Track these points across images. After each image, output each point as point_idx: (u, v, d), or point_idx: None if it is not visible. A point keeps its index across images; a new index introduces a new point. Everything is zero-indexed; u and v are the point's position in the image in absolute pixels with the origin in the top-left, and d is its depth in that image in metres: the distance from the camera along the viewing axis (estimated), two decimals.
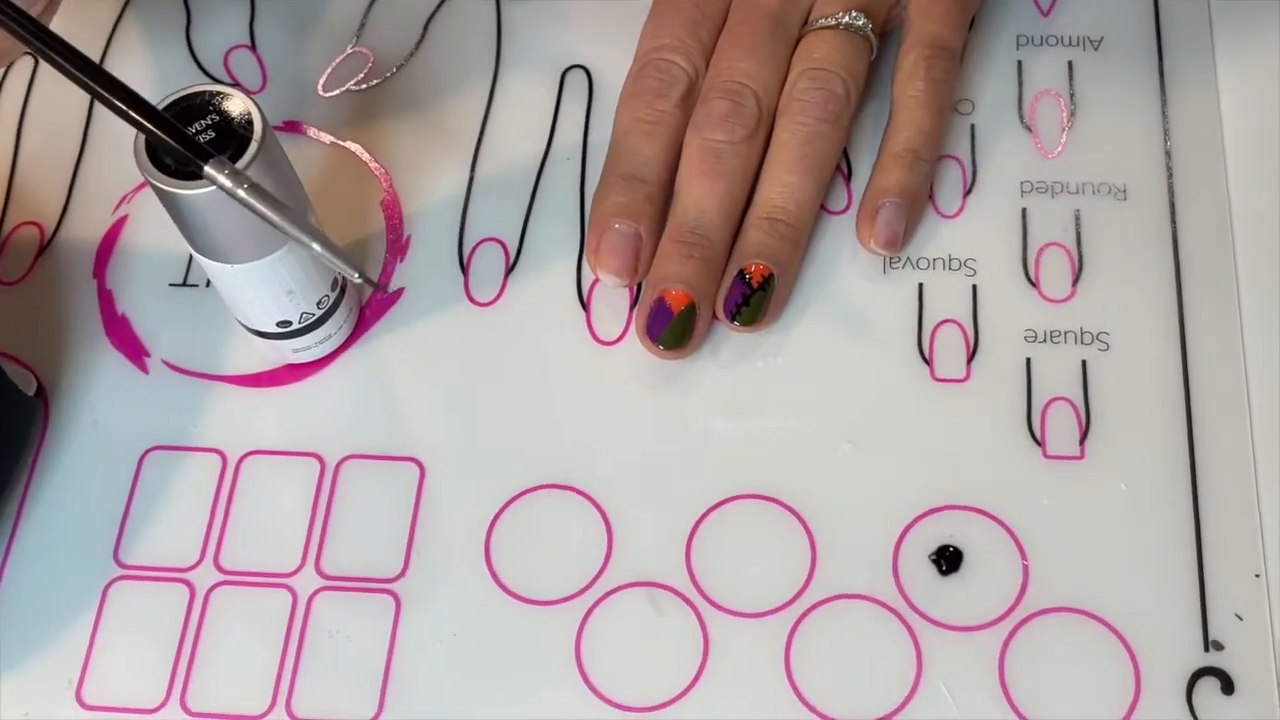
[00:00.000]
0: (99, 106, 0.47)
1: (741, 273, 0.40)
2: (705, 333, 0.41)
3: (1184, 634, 0.36)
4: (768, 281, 0.40)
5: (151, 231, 0.44)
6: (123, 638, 0.38)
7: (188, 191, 0.34)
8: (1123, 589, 0.37)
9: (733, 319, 0.40)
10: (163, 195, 0.34)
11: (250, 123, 0.34)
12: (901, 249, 0.42)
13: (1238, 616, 0.36)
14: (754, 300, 0.40)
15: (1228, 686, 0.35)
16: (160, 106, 0.34)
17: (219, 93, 0.35)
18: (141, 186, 0.45)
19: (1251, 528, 0.37)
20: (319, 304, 0.39)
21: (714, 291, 0.41)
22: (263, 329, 0.40)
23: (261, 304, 0.38)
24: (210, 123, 0.34)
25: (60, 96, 0.48)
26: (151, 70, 0.48)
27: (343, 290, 0.41)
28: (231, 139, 0.34)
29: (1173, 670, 0.36)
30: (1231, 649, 0.36)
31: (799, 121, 0.41)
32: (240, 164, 0.34)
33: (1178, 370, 0.40)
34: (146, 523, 0.40)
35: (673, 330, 0.40)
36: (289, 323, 0.39)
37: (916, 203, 0.42)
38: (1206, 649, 0.36)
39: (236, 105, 0.35)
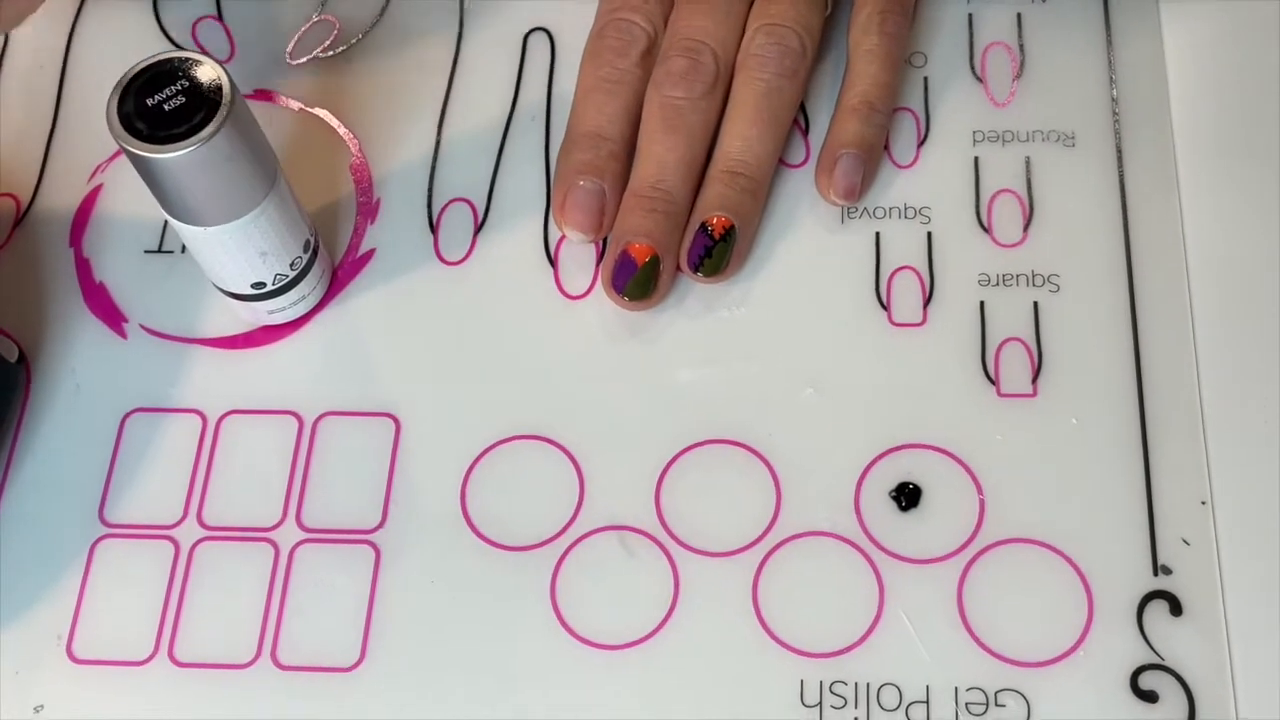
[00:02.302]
0: (70, 78, 0.48)
1: (704, 225, 0.42)
2: (669, 284, 0.42)
3: (1134, 560, 0.38)
4: (729, 233, 0.41)
5: (126, 200, 0.45)
6: (110, 594, 0.39)
7: (160, 155, 0.35)
8: (1075, 519, 0.38)
9: (696, 270, 0.42)
10: (135, 160, 0.35)
11: (220, 89, 0.35)
12: (859, 199, 0.43)
13: (1185, 542, 0.38)
14: (716, 251, 0.41)
15: (1176, 609, 0.37)
16: (130, 74, 0.35)
17: (188, 59, 0.36)
18: (115, 156, 0.46)
19: (1197, 457, 0.39)
20: (292, 265, 0.40)
21: (677, 244, 0.42)
22: (238, 291, 0.41)
23: (235, 266, 0.39)
24: (180, 89, 0.35)
25: (31, 72, 0.48)
26: (120, 42, 0.49)
27: (315, 251, 0.42)
28: (202, 105, 0.35)
29: (1123, 595, 0.37)
30: (1179, 573, 0.37)
31: (756, 76, 0.42)
32: (210, 129, 0.35)
33: (1126, 309, 0.41)
34: (130, 483, 0.41)
35: (637, 282, 0.41)
36: (263, 284, 0.40)
37: (873, 154, 0.43)
38: (1155, 573, 0.38)
39: (206, 72, 0.36)
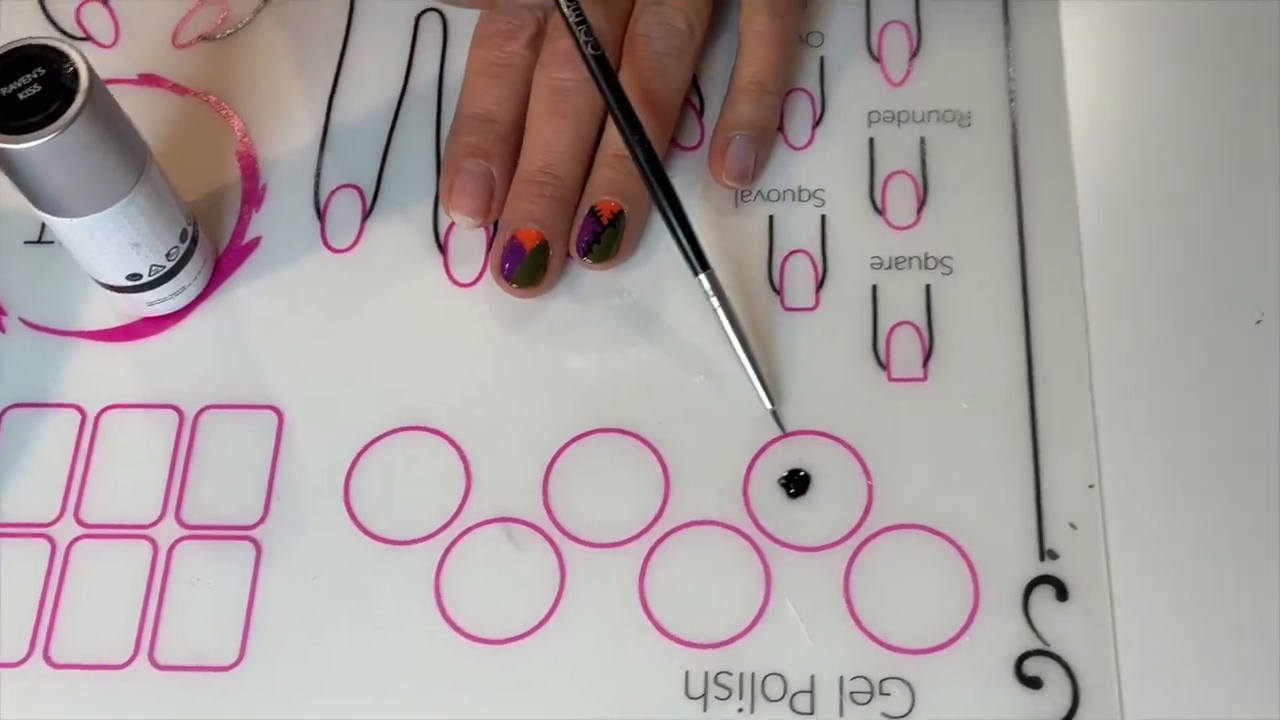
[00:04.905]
0: None
1: (593, 210, 0.41)
2: (559, 271, 0.41)
3: (1021, 545, 0.37)
4: (618, 218, 0.41)
5: (4, 190, 0.44)
6: None
7: (13, 146, 0.34)
8: (963, 504, 0.38)
9: (584, 256, 0.41)
10: None
11: (77, 75, 0.34)
12: (753, 182, 0.42)
13: (1072, 526, 0.38)
14: (605, 237, 0.41)
15: (1062, 594, 0.37)
16: None
17: (45, 46, 0.35)
18: None
19: (1086, 441, 0.39)
20: (168, 255, 0.39)
21: (566, 229, 0.41)
22: (113, 283, 0.40)
23: (107, 257, 0.38)
24: (36, 77, 0.34)
25: None
26: (2, 29, 0.47)
27: (194, 241, 0.41)
28: (58, 94, 0.34)
29: (1010, 580, 0.37)
30: (1066, 557, 0.37)
31: (643, 56, 0.42)
32: (66, 118, 0.34)
33: (1018, 292, 0.41)
34: (6, 480, 0.40)
35: (526, 268, 0.40)
36: (139, 275, 0.39)
37: (765, 135, 0.43)
38: (1042, 558, 0.37)
39: (63, 59, 0.35)
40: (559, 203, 0.41)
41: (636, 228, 0.42)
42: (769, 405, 0.39)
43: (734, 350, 0.39)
